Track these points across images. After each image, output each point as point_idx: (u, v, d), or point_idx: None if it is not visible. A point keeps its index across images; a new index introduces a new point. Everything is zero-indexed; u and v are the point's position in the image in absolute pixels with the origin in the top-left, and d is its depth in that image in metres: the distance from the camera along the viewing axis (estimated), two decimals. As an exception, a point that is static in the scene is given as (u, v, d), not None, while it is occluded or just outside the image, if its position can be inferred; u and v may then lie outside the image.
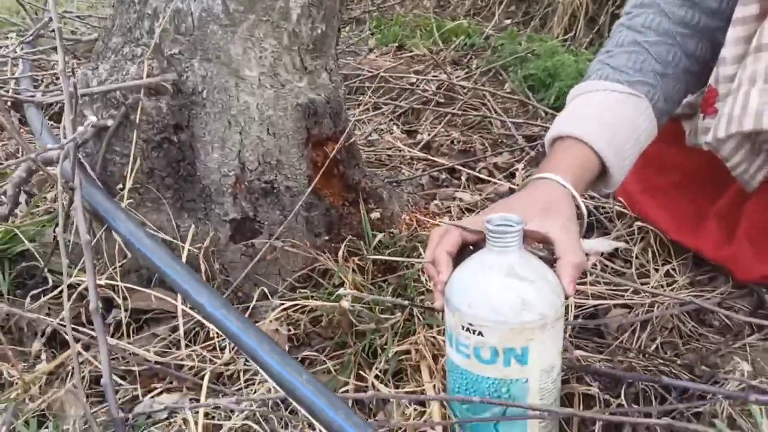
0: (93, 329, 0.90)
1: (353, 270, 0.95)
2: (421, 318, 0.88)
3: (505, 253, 0.65)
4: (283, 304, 0.92)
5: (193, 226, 0.97)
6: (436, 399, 0.68)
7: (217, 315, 0.65)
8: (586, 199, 1.26)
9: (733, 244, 0.98)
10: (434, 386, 0.78)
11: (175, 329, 0.94)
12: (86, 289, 0.92)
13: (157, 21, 0.92)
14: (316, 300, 0.92)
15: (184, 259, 0.94)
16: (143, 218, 0.95)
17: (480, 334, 0.64)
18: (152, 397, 0.84)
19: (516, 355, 0.64)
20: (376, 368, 0.83)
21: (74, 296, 0.92)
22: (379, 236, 0.97)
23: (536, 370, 0.65)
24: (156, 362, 0.89)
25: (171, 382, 0.88)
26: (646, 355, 0.86)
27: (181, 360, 0.90)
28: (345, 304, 0.79)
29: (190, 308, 0.93)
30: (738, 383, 0.73)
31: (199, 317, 0.92)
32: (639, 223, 1.11)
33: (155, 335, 0.93)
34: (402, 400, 0.71)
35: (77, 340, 0.88)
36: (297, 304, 0.90)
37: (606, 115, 0.81)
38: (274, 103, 0.97)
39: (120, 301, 0.92)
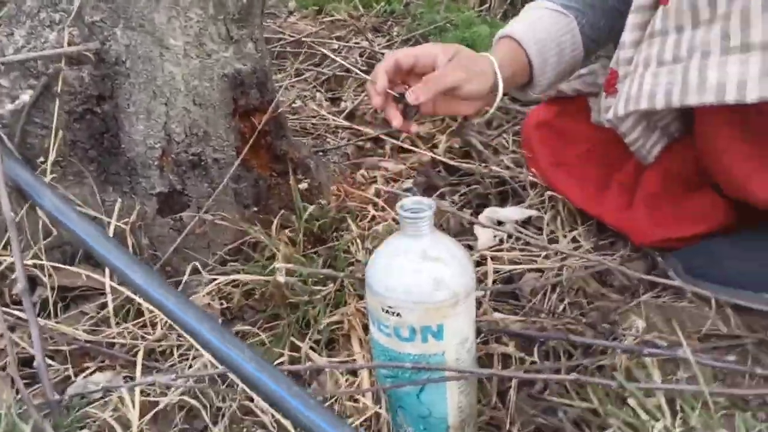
0: (17, 310, 0.88)
1: (284, 242, 0.97)
2: (351, 289, 0.92)
3: (419, 237, 0.69)
4: (215, 279, 0.93)
5: (119, 200, 0.95)
6: (368, 367, 0.73)
7: (154, 294, 0.66)
8: (502, 169, 1.33)
9: (631, 211, 1.07)
10: (363, 356, 0.83)
11: (103, 306, 0.94)
12: (8, 268, 0.90)
13: (76, -13, 0.89)
14: (249, 273, 0.94)
15: (111, 234, 0.93)
16: (66, 192, 0.93)
17: (398, 315, 0.68)
18: (85, 376, 0.84)
19: (432, 332, 0.69)
20: (310, 339, 0.86)
21: (-4, 276, 0.89)
22: (310, 209, 1.00)
23: (452, 344, 0.70)
24: (86, 341, 0.88)
25: (103, 361, 0.88)
26: (556, 315, 0.94)
27: (113, 338, 0.90)
28: (280, 278, 0.82)
29: (119, 284, 0.93)
30: (634, 338, 0.82)
31: (128, 293, 0.92)
32: (549, 193, 1.19)
33: (83, 313, 0.92)
34: (336, 369, 0.75)
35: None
36: (232, 280, 0.91)
37: (536, 24, 0.97)
38: (200, 73, 0.96)
39: (45, 279, 0.90)
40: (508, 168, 1.34)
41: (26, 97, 0.88)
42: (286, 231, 1.02)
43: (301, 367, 0.69)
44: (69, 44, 0.88)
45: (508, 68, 0.90)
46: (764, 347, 0.84)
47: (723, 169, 0.91)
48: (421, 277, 0.68)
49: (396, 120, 0.82)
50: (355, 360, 0.83)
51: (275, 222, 0.99)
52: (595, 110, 1.01)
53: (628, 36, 0.90)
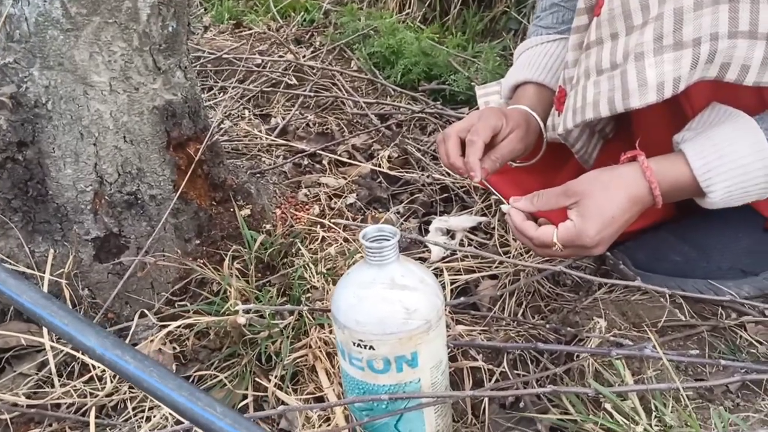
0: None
1: (236, 276, 0.93)
2: (311, 318, 0.89)
3: (385, 266, 0.67)
4: (165, 324, 0.88)
5: (51, 249, 0.88)
6: (343, 404, 0.70)
7: (110, 357, 0.61)
8: (444, 176, 1.33)
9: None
10: (334, 390, 0.80)
11: (42, 365, 0.87)
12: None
13: (-19, 26, 0.81)
14: (201, 314, 0.89)
15: (45, 288, 0.87)
16: (-11, 248, 0.86)
17: (371, 347, 0.66)
18: (33, 444, 0.78)
19: (407, 360, 0.67)
20: (274, 376, 0.83)
21: None
22: (260, 238, 0.96)
23: (427, 369, 0.69)
24: (29, 405, 0.82)
25: (50, 425, 0.82)
26: (518, 323, 0.95)
27: (58, 398, 0.83)
28: (241, 319, 0.78)
29: (57, 340, 0.87)
30: (598, 339, 0.84)
31: (68, 350, 0.86)
32: (495, 197, 1.20)
33: (22, 375, 0.85)
34: (311, 410, 0.72)
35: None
36: (185, 324, 0.87)
37: (545, 60, 1.04)
38: (128, 108, 0.91)
39: (-25, 343, 0.83)
40: (448, 174, 1.34)
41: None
42: (235, 263, 0.97)
43: (274, 411, 0.66)
44: (-21, 88, 0.81)
45: (546, 112, 1.02)
46: (717, 333, 0.88)
47: (657, 154, 0.93)
48: (391, 308, 0.66)
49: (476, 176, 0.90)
50: (324, 394, 0.80)
51: (227, 257, 0.95)
52: (548, 128, 1.02)
53: (570, 55, 0.92)
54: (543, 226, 0.82)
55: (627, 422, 0.69)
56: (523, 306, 1.00)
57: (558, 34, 1.06)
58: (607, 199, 0.79)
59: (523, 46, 1.10)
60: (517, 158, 1.01)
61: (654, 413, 0.71)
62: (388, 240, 0.67)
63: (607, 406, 0.72)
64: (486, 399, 0.81)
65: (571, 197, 0.81)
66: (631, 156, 0.84)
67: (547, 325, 0.91)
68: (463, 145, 0.93)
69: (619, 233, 0.83)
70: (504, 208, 0.88)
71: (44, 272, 0.89)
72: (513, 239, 1.13)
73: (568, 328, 0.89)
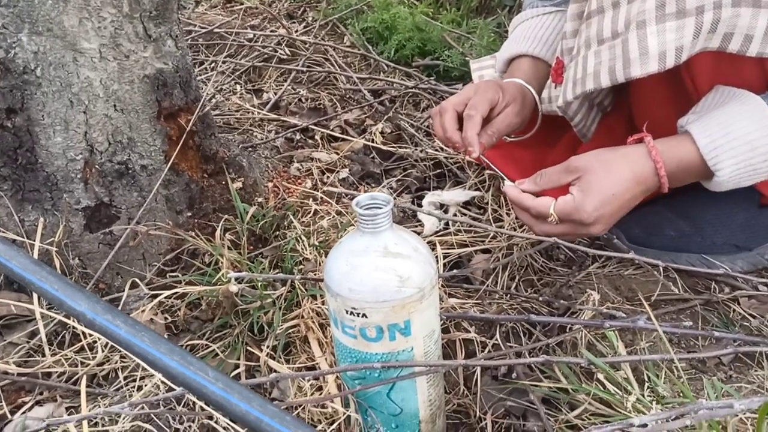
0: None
1: (228, 247, 0.93)
2: (303, 289, 0.88)
3: (378, 234, 0.67)
4: (156, 293, 0.87)
5: (41, 218, 0.87)
6: (336, 372, 0.70)
7: (100, 321, 0.60)
8: (438, 151, 1.33)
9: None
10: (326, 359, 0.80)
11: (33, 334, 0.86)
12: None
13: (-34, -12, 0.79)
14: (193, 283, 0.89)
15: (35, 257, 0.86)
16: (-23, 216, 0.84)
17: (364, 315, 0.66)
18: (23, 412, 0.77)
19: (400, 329, 0.67)
20: (266, 346, 0.83)
21: None
22: (252, 209, 0.95)
23: (419, 338, 0.69)
24: (19, 374, 0.81)
25: (41, 393, 0.81)
26: (511, 296, 0.95)
27: (49, 367, 0.83)
28: (233, 287, 0.77)
29: (48, 310, 0.86)
30: (592, 312, 0.84)
31: (60, 318, 0.85)
32: (488, 172, 1.20)
33: (13, 344, 0.85)
34: (303, 378, 0.72)
35: None
36: (175, 293, 0.86)
37: (541, 33, 1.04)
38: (118, 76, 0.89)
39: (-36, 312, 0.82)
40: (442, 149, 1.34)
41: None
42: (227, 234, 0.97)
43: (266, 378, 0.66)
44: (-34, 53, 0.79)
45: (540, 86, 1.02)
46: (710, 307, 0.88)
47: (658, 134, 0.93)
48: (385, 275, 0.66)
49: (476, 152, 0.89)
50: (316, 363, 0.80)
51: (219, 227, 0.94)
52: (544, 100, 1.01)
53: (569, 26, 0.91)
54: (541, 197, 0.82)
55: (620, 392, 0.69)
56: (516, 280, 1.00)
57: (554, 7, 1.05)
58: (609, 176, 0.79)
59: (519, 19, 1.08)
60: (513, 132, 1.00)
61: (647, 384, 0.71)
62: (381, 208, 0.67)
63: (600, 376, 0.72)
64: (478, 370, 0.81)
65: (573, 173, 0.81)
66: (637, 138, 0.83)
67: (540, 299, 0.91)
68: (459, 119, 0.92)
69: (621, 214, 0.82)
70: (507, 183, 0.87)
71: (34, 241, 0.88)
72: (507, 213, 1.13)
73: (561, 301, 0.89)
